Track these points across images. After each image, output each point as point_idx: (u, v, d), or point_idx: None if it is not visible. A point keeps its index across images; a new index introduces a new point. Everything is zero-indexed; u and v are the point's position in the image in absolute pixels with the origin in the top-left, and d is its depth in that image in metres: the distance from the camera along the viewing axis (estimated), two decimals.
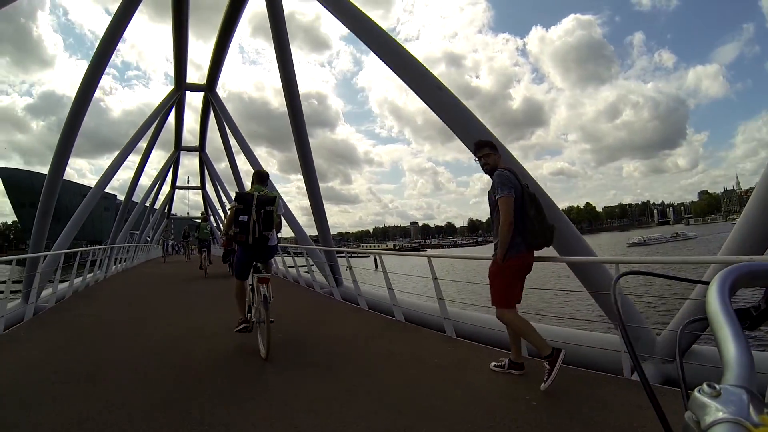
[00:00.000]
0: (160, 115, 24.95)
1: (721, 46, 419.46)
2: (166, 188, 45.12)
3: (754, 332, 0.92)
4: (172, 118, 28.87)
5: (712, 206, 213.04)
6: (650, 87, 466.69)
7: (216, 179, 37.60)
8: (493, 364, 4.72)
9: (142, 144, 27.05)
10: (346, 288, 11.77)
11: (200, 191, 49.29)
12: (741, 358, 0.61)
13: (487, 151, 4.66)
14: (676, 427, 0.65)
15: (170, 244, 27.31)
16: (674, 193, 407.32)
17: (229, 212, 6.47)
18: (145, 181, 57.72)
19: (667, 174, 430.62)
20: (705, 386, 0.56)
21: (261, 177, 6.77)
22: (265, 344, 5.39)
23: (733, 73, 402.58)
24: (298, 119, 13.76)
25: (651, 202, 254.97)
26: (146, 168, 31.01)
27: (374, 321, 8.10)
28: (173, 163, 38.12)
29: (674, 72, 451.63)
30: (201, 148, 36.61)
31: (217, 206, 42.64)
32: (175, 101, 25.45)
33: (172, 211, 57.98)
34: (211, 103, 25.23)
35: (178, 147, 35.55)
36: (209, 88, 24.73)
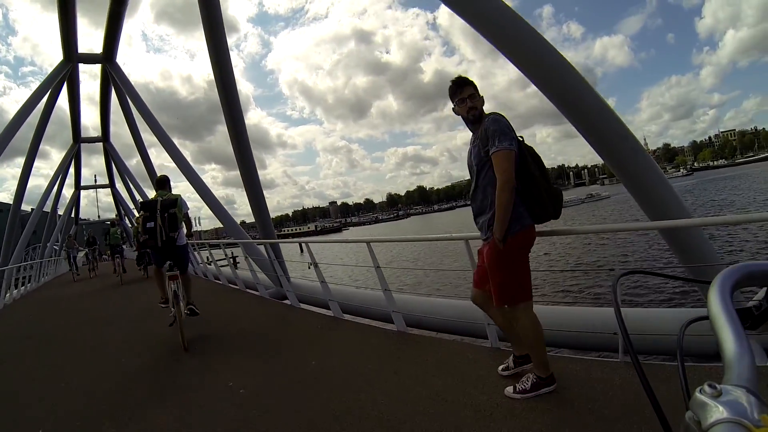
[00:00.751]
0: (46, 94, 20.51)
1: (626, 18, 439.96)
2: (70, 190, 40.78)
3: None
4: (65, 105, 25.76)
5: None
6: None
7: (125, 173, 34.06)
8: (500, 368, 3.93)
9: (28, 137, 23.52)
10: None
11: (110, 189, 44.59)
12: (742, 357, 0.61)
13: (472, 91, 3.51)
14: (676, 427, 0.65)
15: (75, 255, 21.32)
16: (586, 156, 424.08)
17: (136, 221, 7.21)
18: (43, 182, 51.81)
19: (579, 138, 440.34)
20: (706, 386, 0.56)
21: (161, 182, 7.20)
22: (182, 337, 6.15)
23: (637, 43, 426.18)
24: (231, 105, 12.47)
25: (566, 165, 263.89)
26: (47, 170, 27.04)
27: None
28: (73, 157, 33.71)
29: (582, 42, 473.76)
30: (105, 138, 32.37)
31: (131, 205, 38.88)
32: (65, 76, 20.91)
33: (82, 216, 52.40)
34: (111, 77, 21.42)
35: (77, 139, 31.35)
36: (107, 58, 20.84)
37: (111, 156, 34.28)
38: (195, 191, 15.96)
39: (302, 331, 6.70)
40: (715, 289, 0.74)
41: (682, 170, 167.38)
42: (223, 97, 12.25)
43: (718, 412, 0.52)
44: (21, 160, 22.43)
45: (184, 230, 6.98)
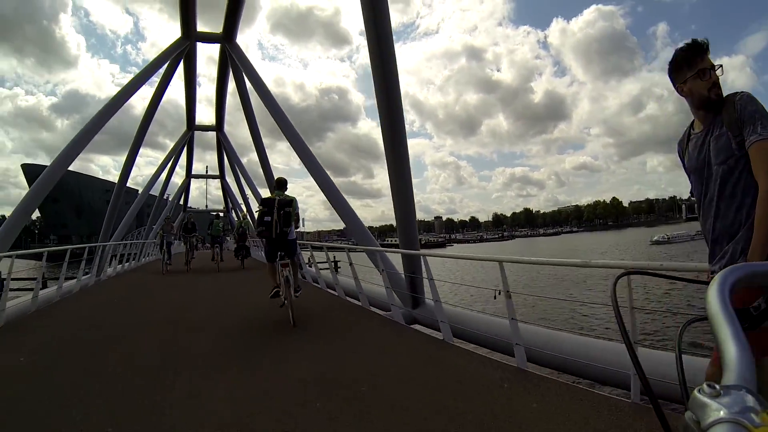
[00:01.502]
0: (162, 68, 20.07)
1: (748, 36, 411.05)
2: (181, 179, 41.91)
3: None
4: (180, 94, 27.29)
5: None
6: None
7: (237, 164, 33.94)
8: None
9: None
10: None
11: (219, 180, 46.09)
12: (741, 357, 0.62)
13: (711, 62, 2.61)
14: (676, 427, 0.68)
15: (171, 242, 18.76)
16: None
17: (257, 214, 8.33)
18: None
19: None
20: (705, 386, 0.57)
21: (280, 183, 8.18)
22: (291, 315, 7.38)
23: (760, 63, 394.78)
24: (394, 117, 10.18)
25: (678, 198, 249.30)
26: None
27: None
28: (186, 144, 34.68)
29: None
30: (218, 127, 32.95)
31: (239, 198, 39.37)
32: (182, 53, 20.53)
33: (191, 204, 53.98)
34: (230, 58, 20.69)
35: (191, 126, 32.16)
36: (227, 38, 20.23)
37: (223, 146, 34.77)
38: (320, 189, 14.69)
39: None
40: (714, 289, 0.74)
41: None
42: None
43: (717, 412, 0.52)
44: (142, 150, 22.67)
45: (294, 227, 7.97)
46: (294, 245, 8.15)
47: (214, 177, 46.77)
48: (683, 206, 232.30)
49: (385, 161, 8.95)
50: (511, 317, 5.17)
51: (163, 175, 34.29)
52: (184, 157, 38.19)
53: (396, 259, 9.60)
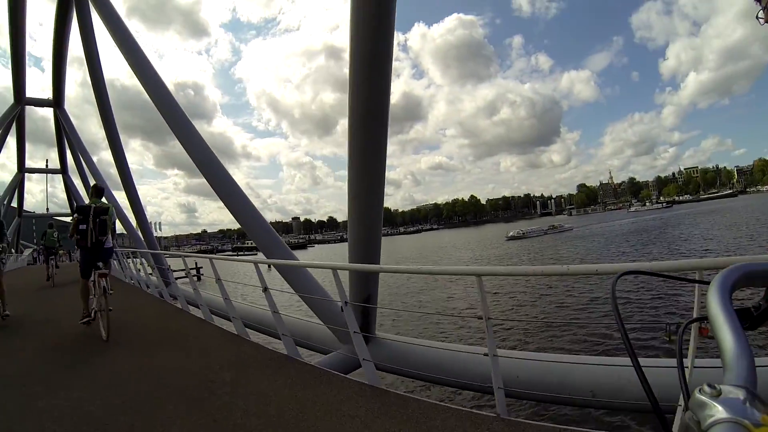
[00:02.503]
0: None
1: (594, 54, 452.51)
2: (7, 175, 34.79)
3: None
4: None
5: (590, 198, 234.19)
6: (527, 87, 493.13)
7: (80, 152, 27.49)
8: None
9: None
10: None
11: (61, 175, 38.64)
12: (741, 357, 0.62)
13: None
14: (676, 427, 0.96)
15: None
16: (549, 187, 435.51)
17: (72, 222, 7.95)
18: None
19: (543, 169, 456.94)
20: (705, 386, 0.57)
21: (97, 191, 8.14)
22: (105, 328, 7.06)
23: (603, 79, 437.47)
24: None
25: (532, 195, 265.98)
26: None
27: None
28: (14, 123, 28.07)
29: (550, 75, 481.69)
30: (56, 102, 26.68)
31: (84, 195, 32.53)
32: None
33: (29, 208, 46.24)
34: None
35: (20, 100, 25.80)
36: None
37: (64, 128, 28.48)
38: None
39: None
40: (715, 289, 0.74)
41: (661, 202, 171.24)
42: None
43: (717, 412, 0.53)
44: None
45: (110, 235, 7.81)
46: (110, 254, 8.19)
47: (54, 171, 39.50)
48: (537, 203, 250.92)
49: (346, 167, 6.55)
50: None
51: None
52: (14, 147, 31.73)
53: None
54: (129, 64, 11.60)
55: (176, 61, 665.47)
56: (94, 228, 7.47)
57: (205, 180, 9.06)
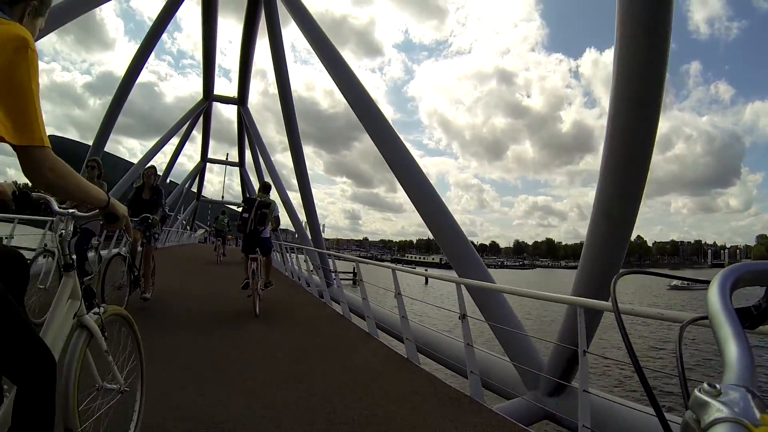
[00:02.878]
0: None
1: None
2: (189, 163, 38.05)
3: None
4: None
5: None
6: (705, 120, 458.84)
7: (260, 148, 28.36)
8: None
9: None
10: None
11: (238, 168, 41.56)
12: (742, 357, 0.60)
13: None
14: (676, 426, 0.65)
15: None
16: (723, 234, 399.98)
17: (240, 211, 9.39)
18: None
19: (717, 214, 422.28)
20: (705, 385, 0.56)
21: (265, 186, 9.34)
22: (256, 306, 8.21)
23: None
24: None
25: (704, 242, 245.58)
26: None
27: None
28: (201, 117, 30.69)
29: (731, 107, 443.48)
30: (241, 100, 28.64)
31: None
32: None
33: (207, 195, 49.98)
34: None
35: (209, 95, 28.26)
36: None
37: (245, 124, 30.22)
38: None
39: None
40: (715, 288, 0.72)
41: None
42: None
43: (717, 411, 0.51)
44: None
45: (269, 227, 9.04)
46: (268, 243, 9.16)
47: (232, 164, 42.55)
48: (709, 251, 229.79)
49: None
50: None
51: (167, 153, 31.02)
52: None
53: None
54: (324, 66, 11.77)
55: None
56: (254, 218, 8.54)
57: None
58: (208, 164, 42.12)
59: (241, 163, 40.41)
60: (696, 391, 0.55)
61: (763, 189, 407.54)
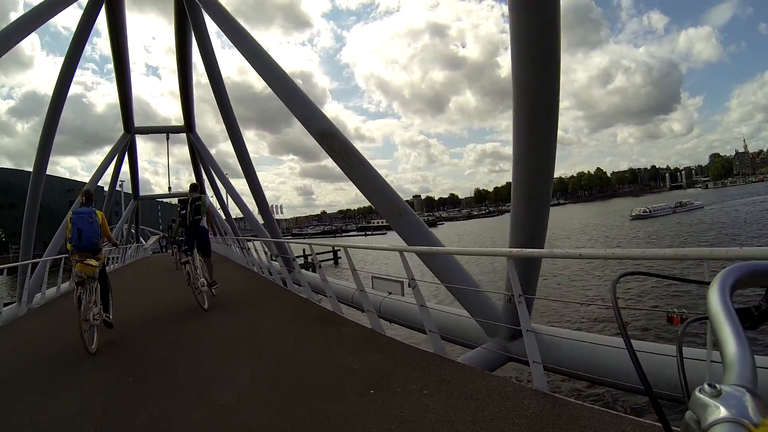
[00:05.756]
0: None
1: (714, 6, 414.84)
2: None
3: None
4: None
5: (726, 169, 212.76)
6: (642, 51, 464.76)
7: (216, 173, 29.12)
8: None
9: None
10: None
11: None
12: (742, 357, 0.62)
13: None
14: (677, 426, 0.69)
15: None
16: (670, 158, 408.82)
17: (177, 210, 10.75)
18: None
19: (663, 139, 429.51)
20: (706, 386, 0.57)
21: (194, 187, 10.84)
22: (203, 300, 9.43)
23: (726, 35, 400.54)
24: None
25: (658, 167, 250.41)
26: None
27: None
28: (125, 150, 29.26)
29: (665, 35, 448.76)
30: (188, 127, 28.62)
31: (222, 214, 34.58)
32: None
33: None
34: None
35: (130, 128, 27.42)
36: None
37: (197, 151, 29.95)
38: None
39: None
40: (715, 289, 0.74)
41: None
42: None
43: (717, 411, 0.52)
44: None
45: (204, 218, 10.14)
46: (205, 232, 10.31)
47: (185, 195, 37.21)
48: (666, 175, 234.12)
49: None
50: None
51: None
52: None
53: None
54: (245, 57, 11.47)
55: (282, 54, 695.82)
56: (191, 211, 9.85)
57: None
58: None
59: (201, 191, 36.79)
60: (696, 392, 0.57)
61: (704, 111, 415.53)
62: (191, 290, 9.69)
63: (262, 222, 20.40)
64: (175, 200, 52.29)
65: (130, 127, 27.15)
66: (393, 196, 7.65)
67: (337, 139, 8.48)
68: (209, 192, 31.98)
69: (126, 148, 28.69)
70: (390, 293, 8.93)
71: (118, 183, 33.94)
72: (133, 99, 25.32)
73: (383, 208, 7.62)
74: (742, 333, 0.65)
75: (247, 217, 24.42)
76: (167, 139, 30.87)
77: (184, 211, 9.89)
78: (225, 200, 33.75)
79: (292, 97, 9.74)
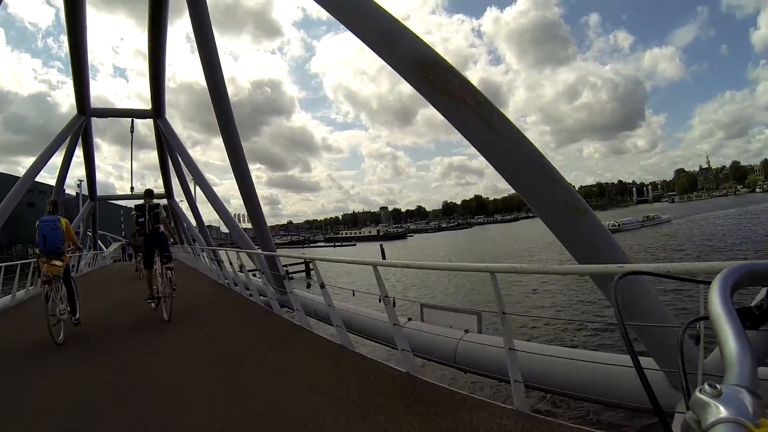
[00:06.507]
0: None
1: (678, 28, 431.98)
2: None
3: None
4: None
5: (691, 183, 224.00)
6: (608, 69, 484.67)
7: (186, 161, 24.07)
8: None
9: None
10: None
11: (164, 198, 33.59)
12: (742, 357, 0.62)
13: None
14: (677, 426, 0.92)
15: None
16: (635, 174, 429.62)
17: (133, 215, 10.06)
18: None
19: (627, 155, 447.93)
20: (706, 386, 0.57)
21: (148, 193, 10.39)
22: (168, 311, 9.02)
23: (689, 55, 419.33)
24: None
25: (625, 182, 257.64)
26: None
27: None
28: (80, 133, 24.60)
29: (631, 54, 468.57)
30: (156, 112, 24.14)
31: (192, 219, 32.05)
32: None
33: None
34: None
35: (85, 111, 22.83)
36: None
37: (164, 139, 25.46)
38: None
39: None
40: (716, 289, 0.74)
41: None
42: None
43: (718, 411, 0.52)
44: None
45: (162, 226, 9.96)
46: (165, 239, 10.01)
47: (158, 197, 30.13)
48: (633, 190, 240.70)
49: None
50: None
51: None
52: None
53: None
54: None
55: (252, 61, 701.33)
56: (150, 219, 9.68)
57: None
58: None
59: (168, 194, 33.35)
60: (696, 392, 0.57)
61: (667, 128, 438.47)
62: (154, 303, 9.71)
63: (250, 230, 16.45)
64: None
65: (86, 108, 22.66)
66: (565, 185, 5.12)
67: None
68: (179, 192, 30.64)
69: (79, 134, 24.06)
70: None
71: (76, 182, 31.61)
72: (89, 74, 21.75)
73: (545, 203, 5.28)
74: (742, 333, 0.65)
75: (225, 219, 19.67)
76: (131, 127, 26.30)
77: (142, 219, 9.71)
78: (194, 194, 30.72)
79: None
